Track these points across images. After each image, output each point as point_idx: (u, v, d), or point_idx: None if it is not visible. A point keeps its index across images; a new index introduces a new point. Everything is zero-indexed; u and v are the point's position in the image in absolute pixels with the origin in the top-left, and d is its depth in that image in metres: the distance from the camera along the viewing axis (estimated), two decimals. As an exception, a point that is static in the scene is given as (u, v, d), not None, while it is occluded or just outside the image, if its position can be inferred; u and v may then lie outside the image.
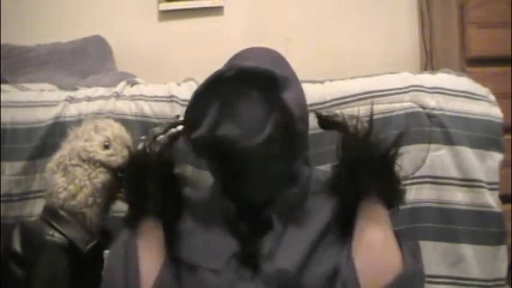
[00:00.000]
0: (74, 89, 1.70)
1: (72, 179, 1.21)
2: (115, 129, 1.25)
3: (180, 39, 2.84)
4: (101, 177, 1.21)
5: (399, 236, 1.26)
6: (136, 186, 1.18)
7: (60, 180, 1.21)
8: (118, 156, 1.23)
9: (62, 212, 1.19)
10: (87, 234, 1.19)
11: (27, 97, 1.61)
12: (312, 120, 1.49)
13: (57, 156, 1.26)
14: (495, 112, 1.58)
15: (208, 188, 1.37)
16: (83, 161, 1.21)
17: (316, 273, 1.18)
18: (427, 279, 1.47)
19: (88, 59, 2.63)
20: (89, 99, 1.60)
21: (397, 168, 1.26)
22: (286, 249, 1.20)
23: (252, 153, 1.19)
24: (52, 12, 2.86)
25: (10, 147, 1.50)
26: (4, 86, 1.70)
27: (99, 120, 1.32)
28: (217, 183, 1.33)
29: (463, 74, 1.73)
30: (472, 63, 2.42)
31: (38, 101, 1.59)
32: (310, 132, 1.47)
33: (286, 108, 1.19)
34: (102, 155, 1.22)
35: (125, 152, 1.23)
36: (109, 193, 1.24)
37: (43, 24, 2.83)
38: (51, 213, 1.20)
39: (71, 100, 1.59)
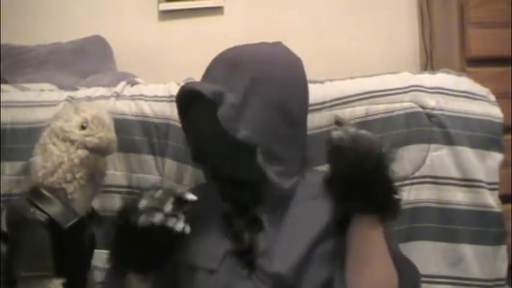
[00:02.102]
0: (74, 89, 1.70)
1: (49, 156, 1.22)
2: (94, 111, 1.26)
3: (180, 39, 2.84)
4: (79, 153, 1.22)
5: (391, 244, 1.24)
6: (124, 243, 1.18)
7: (39, 159, 1.23)
8: (94, 136, 1.24)
9: (42, 190, 1.21)
10: (68, 211, 1.20)
11: (27, 97, 1.61)
12: (312, 120, 1.50)
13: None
14: (495, 112, 1.58)
15: (202, 187, 1.38)
16: (61, 140, 1.23)
17: (312, 280, 1.18)
18: (427, 279, 1.47)
19: (88, 59, 2.63)
20: (88, 99, 1.60)
21: (391, 178, 1.18)
22: (282, 251, 1.20)
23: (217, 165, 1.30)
24: (52, 12, 2.86)
25: (10, 147, 1.50)
26: (4, 86, 1.70)
27: (80, 103, 1.34)
28: (209, 183, 1.35)
29: (463, 74, 1.72)
30: (472, 63, 2.42)
31: (38, 101, 1.59)
32: (310, 132, 1.48)
33: (222, 123, 1.21)
34: (77, 134, 1.23)
35: (102, 133, 1.24)
36: (89, 171, 1.24)
37: (43, 24, 2.83)
38: (32, 192, 1.22)
39: (71, 100, 1.59)
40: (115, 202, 1.49)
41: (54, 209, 1.19)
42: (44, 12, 2.86)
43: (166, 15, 2.93)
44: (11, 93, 1.64)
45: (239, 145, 1.21)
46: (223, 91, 1.23)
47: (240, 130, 1.21)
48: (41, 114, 1.55)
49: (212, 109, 1.23)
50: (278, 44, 1.39)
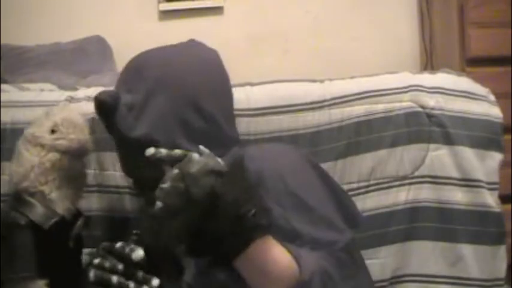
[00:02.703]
0: (74, 89, 1.70)
1: (22, 161, 1.24)
2: (64, 114, 1.27)
3: (180, 39, 2.83)
4: (49, 156, 1.23)
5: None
6: None
7: (13, 165, 1.26)
8: (65, 139, 1.25)
9: (21, 194, 1.23)
10: (48, 212, 1.21)
11: (27, 97, 1.61)
12: (311, 119, 1.50)
13: None
14: (495, 112, 1.58)
15: None
16: (33, 145, 1.24)
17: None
18: (426, 279, 1.48)
19: (88, 59, 2.63)
20: (88, 99, 1.60)
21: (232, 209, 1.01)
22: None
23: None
24: (52, 12, 2.86)
25: (10, 147, 1.50)
26: (4, 86, 1.70)
27: (54, 107, 1.35)
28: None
29: (463, 74, 1.73)
30: (472, 63, 2.42)
31: (37, 100, 1.59)
32: (308, 130, 1.49)
33: (117, 124, 1.21)
34: (47, 139, 1.25)
35: (73, 135, 1.25)
36: (64, 173, 1.25)
37: (43, 24, 2.84)
38: (13, 197, 1.25)
39: (71, 100, 1.59)
40: (114, 202, 1.49)
41: (33, 211, 1.20)
42: (44, 12, 2.86)
43: (166, 15, 2.93)
44: (11, 93, 1.64)
45: (141, 146, 1.13)
46: (118, 93, 1.24)
47: (135, 129, 1.21)
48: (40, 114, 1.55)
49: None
50: (188, 43, 1.38)
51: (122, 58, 2.74)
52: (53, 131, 1.25)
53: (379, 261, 1.48)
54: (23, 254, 1.17)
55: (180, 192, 0.98)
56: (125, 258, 1.17)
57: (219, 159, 1.06)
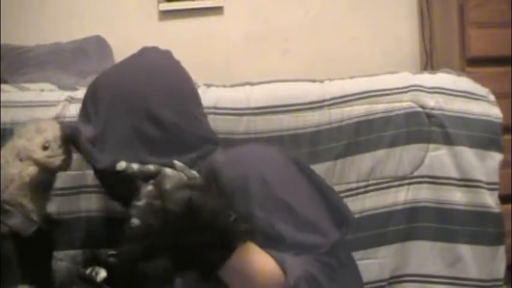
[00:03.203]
0: (74, 89, 1.70)
1: (3, 173, 1.25)
2: (55, 131, 1.27)
3: (180, 39, 2.84)
4: (30, 170, 1.24)
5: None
6: None
7: None
8: (56, 158, 1.26)
9: (2, 205, 1.24)
10: (28, 221, 1.23)
11: (27, 97, 1.61)
12: (311, 119, 1.50)
13: None
14: (495, 112, 1.58)
15: None
16: (20, 159, 1.25)
17: None
18: (425, 279, 1.48)
19: (88, 59, 2.63)
20: (88, 99, 1.60)
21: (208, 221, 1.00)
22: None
23: None
24: (52, 12, 2.86)
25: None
26: (4, 86, 1.70)
27: (42, 122, 1.35)
28: None
29: (463, 74, 1.72)
30: (472, 63, 2.42)
31: (37, 101, 1.59)
32: (307, 130, 1.50)
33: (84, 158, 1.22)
34: (40, 155, 1.25)
35: (64, 156, 1.27)
36: (40, 185, 1.27)
37: (43, 24, 2.84)
38: None
39: (71, 100, 1.59)
40: (113, 203, 1.49)
41: (14, 220, 1.22)
42: (44, 12, 2.86)
43: (166, 15, 2.93)
44: (11, 93, 1.64)
45: (113, 173, 1.11)
46: (78, 127, 1.24)
47: (103, 160, 1.19)
48: (41, 114, 1.55)
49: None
50: (139, 53, 1.34)
51: (122, 58, 2.77)
52: (44, 148, 1.26)
53: (378, 261, 1.49)
54: (5, 262, 1.19)
55: (156, 209, 0.98)
56: (93, 282, 1.16)
57: (194, 172, 1.05)
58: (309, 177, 1.23)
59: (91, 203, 1.50)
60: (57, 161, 1.25)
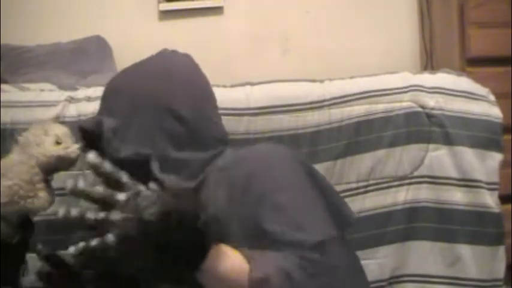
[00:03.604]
0: (74, 89, 1.70)
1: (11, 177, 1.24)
2: (60, 127, 1.29)
3: (180, 39, 2.84)
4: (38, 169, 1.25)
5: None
6: None
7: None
8: (72, 148, 1.26)
9: None
10: (14, 230, 1.24)
11: (27, 97, 1.61)
12: (311, 119, 1.50)
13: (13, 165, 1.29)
14: (495, 112, 1.58)
15: None
16: (35, 162, 1.26)
17: None
18: (424, 279, 1.48)
19: (88, 59, 2.63)
20: (88, 99, 1.60)
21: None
22: None
23: None
24: (52, 12, 2.86)
25: (10, 147, 1.50)
26: (4, 86, 1.70)
27: (46, 124, 1.35)
28: None
29: (463, 74, 1.72)
30: (472, 63, 2.43)
31: (37, 101, 1.59)
32: (307, 130, 1.50)
33: (105, 149, 1.21)
34: (58, 150, 1.25)
35: (76, 146, 1.27)
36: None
37: (43, 24, 2.84)
38: None
39: (70, 100, 1.59)
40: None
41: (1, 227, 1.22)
42: (44, 12, 2.86)
43: (166, 15, 2.93)
44: (11, 93, 1.64)
45: (133, 162, 1.16)
46: (100, 119, 1.26)
47: (124, 150, 1.22)
48: (40, 114, 1.55)
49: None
50: (160, 54, 1.38)
51: (122, 58, 2.77)
52: (58, 143, 1.26)
53: (378, 261, 1.49)
54: None
55: (132, 220, 0.96)
56: None
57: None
58: (311, 176, 1.24)
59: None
60: (73, 152, 1.26)
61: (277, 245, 1.11)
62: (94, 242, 0.96)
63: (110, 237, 0.95)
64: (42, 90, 1.68)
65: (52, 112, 1.55)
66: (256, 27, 2.91)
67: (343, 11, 2.93)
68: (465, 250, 1.50)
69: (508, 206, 2.09)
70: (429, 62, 2.82)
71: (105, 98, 1.34)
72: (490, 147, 1.55)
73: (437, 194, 1.51)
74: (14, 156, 1.27)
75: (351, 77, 1.64)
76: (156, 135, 1.25)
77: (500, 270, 1.51)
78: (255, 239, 1.10)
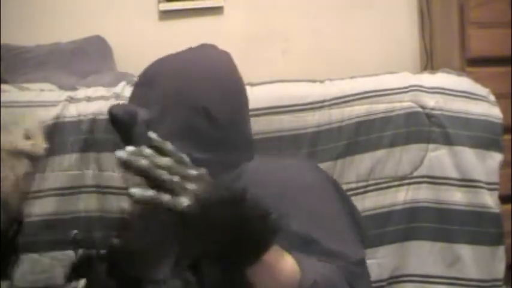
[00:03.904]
0: (74, 89, 1.70)
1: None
2: (32, 121, 1.28)
3: (180, 39, 2.83)
4: (24, 166, 1.24)
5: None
6: None
7: None
8: (40, 145, 1.25)
9: None
10: (10, 222, 1.25)
11: (27, 97, 1.61)
12: (312, 119, 1.50)
13: None
14: (495, 112, 1.58)
15: None
16: (8, 154, 1.24)
17: None
18: (424, 279, 1.48)
19: (88, 59, 2.63)
20: (88, 99, 1.60)
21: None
22: None
23: None
24: (52, 12, 2.86)
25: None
26: (4, 86, 1.70)
27: (19, 115, 1.35)
28: None
29: (463, 74, 1.72)
30: (472, 63, 2.43)
31: (37, 101, 1.59)
32: (308, 130, 1.50)
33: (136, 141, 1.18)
34: (26, 145, 1.24)
35: (44, 144, 1.26)
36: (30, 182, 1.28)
37: (43, 24, 2.84)
38: None
39: (70, 100, 1.59)
40: (112, 203, 1.50)
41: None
42: (44, 12, 2.86)
43: (166, 15, 2.93)
44: (11, 93, 1.64)
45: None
46: (135, 109, 1.24)
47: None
48: (40, 114, 1.55)
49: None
50: (200, 48, 1.35)
51: (122, 58, 2.77)
52: (27, 138, 1.26)
53: (377, 261, 1.49)
54: None
55: (207, 193, 0.92)
56: None
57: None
58: (340, 193, 1.25)
59: (90, 203, 1.50)
60: (41, 148, 1.25)
61: (322, 253, 1.10)
62: (166, 197, 0.88)
63: (184, 200, 0.89)
64: (42, 90, 1.68)
65: (52, 112, 1.55)
66: (256, 27, 2.91)
67: (343, 11, 2.93)
68: (465, 250, 1.50)
69: (508, 206, 2.09)
70: (429, 62, 2.82)
71: (139, 86, 1.31)
72: (490, 148, 1.55)
73: (437, 194, 1.51)
74: None
75: (351, 77, 1.64)
76: (185, 134, 1.22)
77: (500, 270, 1.51)
78: (301, 245, 1.09)
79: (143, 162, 0.90)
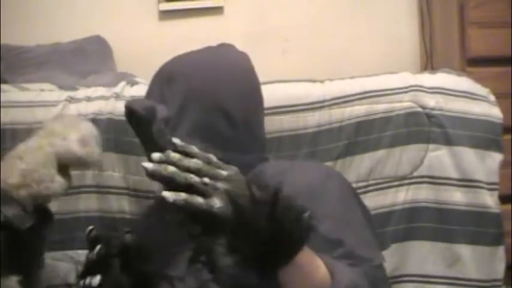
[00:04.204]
0: (74, 89, 1.70)
1: (28, 160, 1.24)
2: (90, 130, 1.28)
3: (180, 39, 2.84)
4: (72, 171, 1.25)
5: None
6: None
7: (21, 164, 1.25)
8: (94, 153, 1.26)
9: (3, 194, 1.22)
10: (26, 215, 1.22)
11: (27, 97, 1.61)
12: (312, 119, 1.50)
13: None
14: (495, 112, 1.58)
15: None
16: (61, 159, 1.25)
17: None
18: (424, 279, 1.48)
19: (88, 59, 2.63)
20: (88, 99, 1.60)
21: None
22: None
23: None
24: (52, 12, 2.86)
25: (10, 147, 1.50)
26: (4, 86, 1.70)
27: (77, 121, 1.35)
28: None
29: (463, 74, 1.72)
30: (472, 63, 2.43)
31: (37, 101, 1.59)
32: (308, 130, 1.51)
33: (155, 137, 1.20)
34: (81, 151, 1.24)
35: (99, 150, 1.26)
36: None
37: (43, 24, 2.84)
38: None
39: (70, 100, 1.59)
40: (112, 203, 1.50)
41: (12, 212, 1.20)
42: (44, 12, 2.86)
43: (166, 15, 2.93)
44: (11, 93, 1.64)
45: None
46: (154, 106, 1.24)
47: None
48: (41, 114, 1.55)
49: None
50: (219, 47, 1.36)
51: (122, 58, 2.77)
52: (82, 144, 1.26)
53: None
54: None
55: (240, 192, 0.91)
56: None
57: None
58: (359, 200, 1.26)
59: (90, 203, 1.50)
60: (94, 158, 1.26)
61: (347, 256, 1.09)
62: (199, 200, 0.88)
63: (216, 201, 0.88)
64: (42, 90, 1.68)
65: (52, 112, 1.56)
66: (256, 27, 2.91)
67: (343, 11, 2.93)
68: (465, 250, 1.50)
69: (508, 206, 2.09)
70: (429, 62, 2.82)
71: (157, 83, 1.31)
72: (490, 148, 1.54)
73: (437, 194, 1.51)
74: (33, 142, 1.27)
75: (351, 77, 1.64)
76: (203, 133, 1.22)
77: (500, 271, 1.51)
78: (328, 247, 1.07)
79: (171, 169, 0.89)
